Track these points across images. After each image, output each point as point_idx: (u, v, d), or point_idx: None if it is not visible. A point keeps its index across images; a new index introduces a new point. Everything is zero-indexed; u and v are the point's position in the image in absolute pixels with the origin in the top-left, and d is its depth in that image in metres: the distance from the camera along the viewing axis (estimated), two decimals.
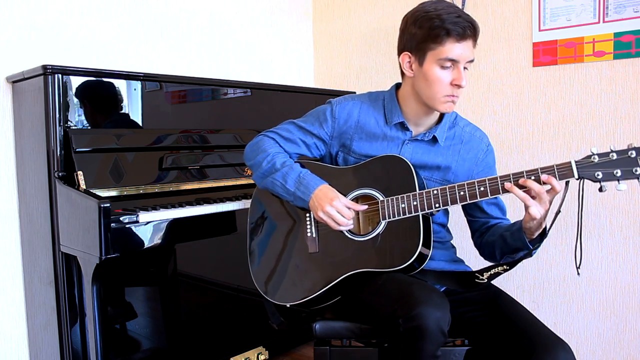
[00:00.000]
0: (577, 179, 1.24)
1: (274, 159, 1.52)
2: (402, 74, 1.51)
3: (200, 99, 2.16)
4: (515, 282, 2.30)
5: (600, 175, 1.22)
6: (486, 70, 2.33)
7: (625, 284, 2.06)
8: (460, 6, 2.33)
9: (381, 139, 1.53)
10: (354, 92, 2.52)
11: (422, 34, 1.38)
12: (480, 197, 1.32)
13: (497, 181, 1.30)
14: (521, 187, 1.28)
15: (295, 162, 1.56)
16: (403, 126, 1.51)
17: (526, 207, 1.28)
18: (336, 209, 1.40)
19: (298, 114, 1.68)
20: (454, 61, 1.37)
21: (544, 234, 1.37)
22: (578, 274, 1.35)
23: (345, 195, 1.47)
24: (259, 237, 1.59)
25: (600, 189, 1.23)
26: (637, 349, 2.05)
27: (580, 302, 2.16)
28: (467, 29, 1.35)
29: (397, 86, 1.56)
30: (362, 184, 1.48)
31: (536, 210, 1.27)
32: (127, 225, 1.61)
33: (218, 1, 2.46)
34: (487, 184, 1.31)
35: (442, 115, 1.53)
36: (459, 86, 1.39)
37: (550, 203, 1.29)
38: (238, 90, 2.25)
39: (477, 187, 1.32)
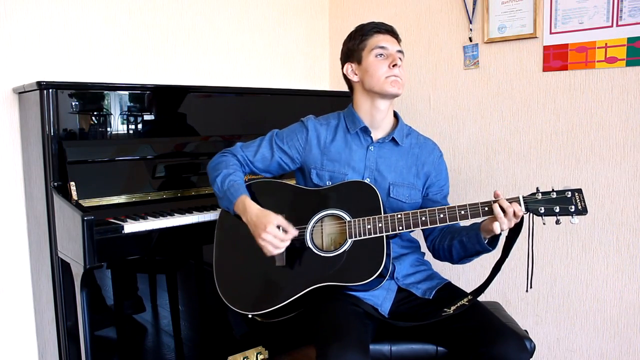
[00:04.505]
0: (524, 213, 1.38)
1: (224, 179, 1.61)
2: (350, 86, 1.68)
3: (194, 107, 2.15)
4: (518, 294, 2.23)
5: (542, 210, 1.36)
6: (496, 73, 2.23)
7: (631, 303, 1.95)
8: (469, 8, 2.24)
9: (348, 150, 1.64)
10: None
11: (355, 41, 1.62)
12: (439, 223, 1.45)
13: (455, 210, 1.44)
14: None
15: (260, 180, 1.66)
16: (365, 131, 1.63)
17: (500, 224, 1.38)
18: (272, 234, 1.46)
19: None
20: (384, 48, 1.57)
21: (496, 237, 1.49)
22: (527, 290, 1.52)
23: (313, 214, 1.54)
24: (226, 249, 1.64)
25: (557, 222, 1.35)
26: None
27: (584, 320, 2.07)
28: (388, 26, 1.62)
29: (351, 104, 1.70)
30: (330, 205, 1.55)
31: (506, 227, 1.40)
32: (111, 236, 1.66)
33: (219, 1, 2.47)
34: (446, 212, 1.44)
35: (396, 121, 1.67)
36: (395, 65, 1.55)
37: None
38: (230, 94, 2.25)
39: (437, 214, 1.45)
